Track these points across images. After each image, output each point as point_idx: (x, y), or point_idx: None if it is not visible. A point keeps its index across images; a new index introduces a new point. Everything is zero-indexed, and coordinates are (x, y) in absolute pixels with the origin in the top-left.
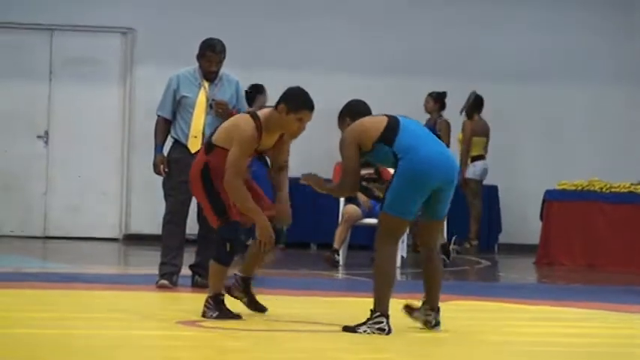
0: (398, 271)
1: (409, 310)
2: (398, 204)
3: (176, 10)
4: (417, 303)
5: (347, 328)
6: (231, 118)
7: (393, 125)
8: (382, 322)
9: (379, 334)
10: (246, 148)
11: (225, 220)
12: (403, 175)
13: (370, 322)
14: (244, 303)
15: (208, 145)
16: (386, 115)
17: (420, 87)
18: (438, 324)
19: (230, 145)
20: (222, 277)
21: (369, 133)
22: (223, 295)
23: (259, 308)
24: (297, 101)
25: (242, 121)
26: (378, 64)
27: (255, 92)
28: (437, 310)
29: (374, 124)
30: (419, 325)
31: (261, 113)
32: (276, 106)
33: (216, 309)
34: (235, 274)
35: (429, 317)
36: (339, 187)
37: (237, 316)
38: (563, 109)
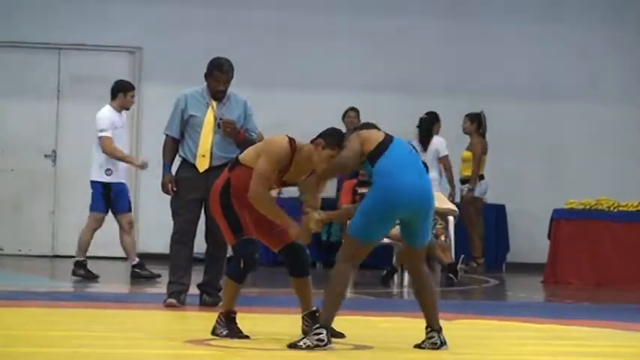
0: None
1: (418, 346)
2: (361, 227)
3: (183, 30)
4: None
5: (291, 346)
6: (266, 138)
7: (383, 146)
8: (322, 334)
9: (318, 344)
10: (274, 160)
11: (240, 237)
12: (372, 199)
13: (312, 334)
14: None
15: (234, 163)
16: (385, 134)
17: (424, 105)
18: (443, 343)
19: (254, 164)
20: (235, 294)
21: (368, 143)
22: (235, 313)
23: (337, 335)
24: (336, 139)
25: (277, 137)
26: (382, 83)
27: None
28: (439, 330)
29: (373, 138)
30: (428, 347)
31: (297, 142)
32: (312, 141)
33: (227, 327)
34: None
35: (433, 339)
36: (323, 171)
37: (245, 337)
38: (571, 128)
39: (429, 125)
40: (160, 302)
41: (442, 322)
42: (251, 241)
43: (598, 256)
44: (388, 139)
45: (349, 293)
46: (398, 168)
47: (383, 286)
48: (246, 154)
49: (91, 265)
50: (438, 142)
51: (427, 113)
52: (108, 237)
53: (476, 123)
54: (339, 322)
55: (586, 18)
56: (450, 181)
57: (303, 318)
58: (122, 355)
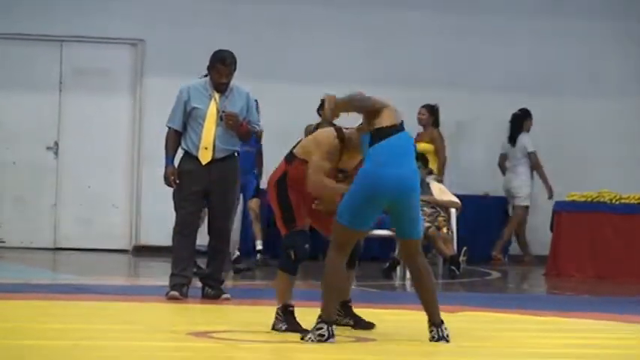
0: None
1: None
2: (347, 212)
3: (185, 22)
4: None
5: (302, 338)
6: (314, 133)
7: (388, 131)
8: (322, 329)
9: (320, 339)
10: (325, 156)
11: (292, 229)
12: (357, 183)
13: (314, 329)
14: (352, 327)
15: (289, 155)
16: (401, 121)
17: (423, 99)
18: (440, 338)
19: (308, 157)
20: (289, 286)
21: (381, 116)
22: (292, 306)
23: (367, 326)
24: None
25: (323, 131)
26: (382, 77)
27: None
28: (438, 325)
29: (389, 115)
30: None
31: (345, 129)
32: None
33: (285, 321)
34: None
35: (432, 333)
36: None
37: (304, 330)
38: (573, 121)
39: (521, 121)
40: (162, 295)
41: (444, 315)
42: (302, 233)
43: (600, 248)
44: (396, 127)
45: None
46: (387, 156)
47: (385, 278)
48: (299, 148)
49: (92, 258)
50: (525, 139)
51: (520, 110)
52: (109, 229)
53: (433, 115)
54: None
55: (587, 10)
56: (543, 177)
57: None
58: (124, 348)
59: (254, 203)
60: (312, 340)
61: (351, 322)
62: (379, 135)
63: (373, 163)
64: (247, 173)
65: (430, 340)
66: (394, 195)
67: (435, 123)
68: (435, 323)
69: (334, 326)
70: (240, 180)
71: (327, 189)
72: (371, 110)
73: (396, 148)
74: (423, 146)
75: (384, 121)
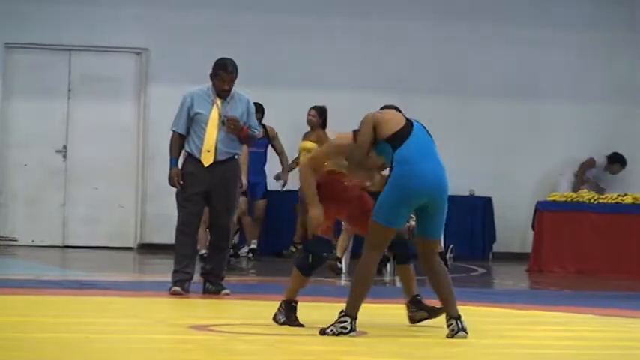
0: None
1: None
2: (384, 211)
3: (187, 32)
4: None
5: (321, 331)
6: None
7: (405, 132)
8: (346, 322)
9: (342, 331)
10: (331, 146)
11: (314, 234)
12: (393, 184)
13: (336, 322)
14: (428, 317)
15: None
16: (405, 118)
17: (420, 103)
18: (460, 329)
19: (332, 165)
20: (300, 285)
21: (387, 125)
22: (296, 302)
23: (438, 312)
24: None
25: (342, 134)
26: (372, 84)
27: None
28: (457, 317)
29: (394, 121)
30: (448, 335)
31: None
32: None
33: (285, 315)
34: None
35: (451, 326)
36: (350, 157)
37: (301, 325)
38: (556, 126)
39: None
40: (165, 290)
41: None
42: (324, 241)
43: (579, 245)
44: (409, 125)
45: (343, 282)
46: (418, 155)
47: (376, 273)
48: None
49: (99, 255)
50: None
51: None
52: (115, 228)
53: (322, 117)
54: (336, 310)
55: (573, 18)
56: None
57: (407, 305)
58: (130, 340)
59: (261, 205)
60: (333, 333)
61: (425, 315)
62: (397, 139)
63: (405, 164)
64: (257, 174)
65: (450, 332)
66: (432, 190)
67: (323, 124)
68: (454, 316)
69: (356, 321)
70: (250, 179)
71: (303, 184)
72: (367, 143)
73: (421, 143)
74: (309, 145)
75: (390, 128)
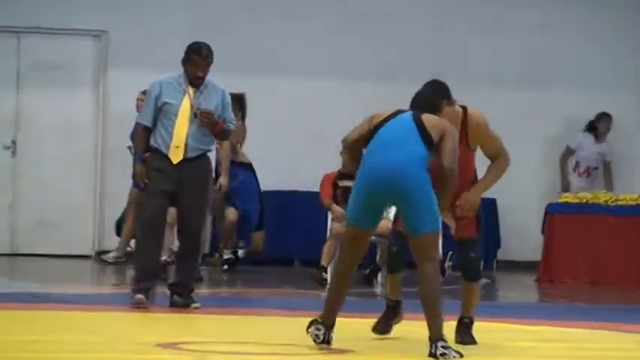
0: None
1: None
2: (349, 207)
3: (152, 12)
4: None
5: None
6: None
7: (380, 124)
8: (445, 345)
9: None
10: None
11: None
12: (356, 179)
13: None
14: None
15: None
16: (391, 112)
17: (410, 93)
18: (432, 356)
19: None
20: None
21: (375, 119)
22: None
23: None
24: (448, 89)
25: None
26: (367, 70)
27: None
28: (435, 340)
29: (381, 115)
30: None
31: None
32: (439, 108)
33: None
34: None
35: (430, 349)
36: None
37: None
38: (565, 116)
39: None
40: (128, 303)
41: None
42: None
43: (594, 252)
44: (386, 118)
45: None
46: (380, 146)
47: (366, 285)
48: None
49: (53, 264)
50: None
51: None
52: (69, 234)
53: (240, 105)
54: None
55: (578, 1)
56: None
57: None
58: None
59: (259, 237)
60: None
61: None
62: (373, 132)
63: (366, 157)
64: (251, 202)
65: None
66: (383, 182)
67: (242, 115)
68: (430, 338)
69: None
70: (242, 207)
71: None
72: (357, 151)
73: (384, 138)
74: None
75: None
